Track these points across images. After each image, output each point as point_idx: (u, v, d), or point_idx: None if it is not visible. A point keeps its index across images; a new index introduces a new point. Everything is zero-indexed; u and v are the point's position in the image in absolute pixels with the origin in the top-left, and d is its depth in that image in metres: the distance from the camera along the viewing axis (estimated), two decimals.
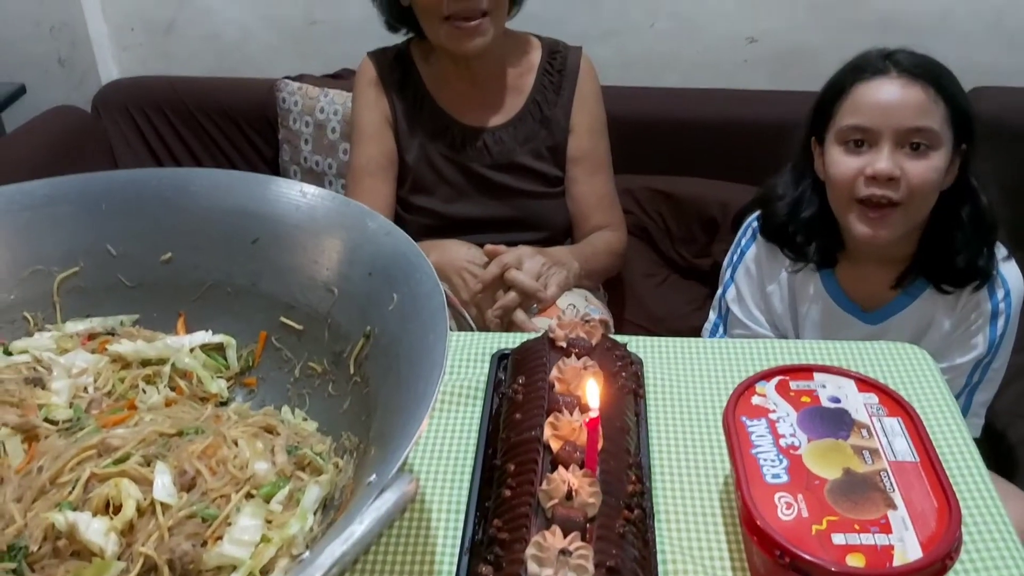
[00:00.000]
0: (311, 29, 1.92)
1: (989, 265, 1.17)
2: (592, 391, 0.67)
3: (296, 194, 0.87)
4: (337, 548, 0.47)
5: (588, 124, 1.50)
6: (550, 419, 0.72)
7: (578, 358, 0.79)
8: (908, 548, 0.63)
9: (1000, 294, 1.18)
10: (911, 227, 1.16)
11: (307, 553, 0.60)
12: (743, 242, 1.34)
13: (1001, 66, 1.77)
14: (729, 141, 1.76)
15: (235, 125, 1.86)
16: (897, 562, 0.62)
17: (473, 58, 1.40)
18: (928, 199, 1.12)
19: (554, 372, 0.78)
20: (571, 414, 0.72)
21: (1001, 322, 1.18)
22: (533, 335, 0.90)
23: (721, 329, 1.36)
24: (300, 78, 1.82)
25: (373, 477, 0.56)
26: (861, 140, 1.12)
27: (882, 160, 1.09)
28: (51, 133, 1.75)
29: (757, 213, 1.32)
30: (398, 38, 1.52)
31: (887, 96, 1.11)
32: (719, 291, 1.38)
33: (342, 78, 1.83)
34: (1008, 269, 1.20)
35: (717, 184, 1.74)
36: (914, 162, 1.09)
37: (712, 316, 1.40)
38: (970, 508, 0.72)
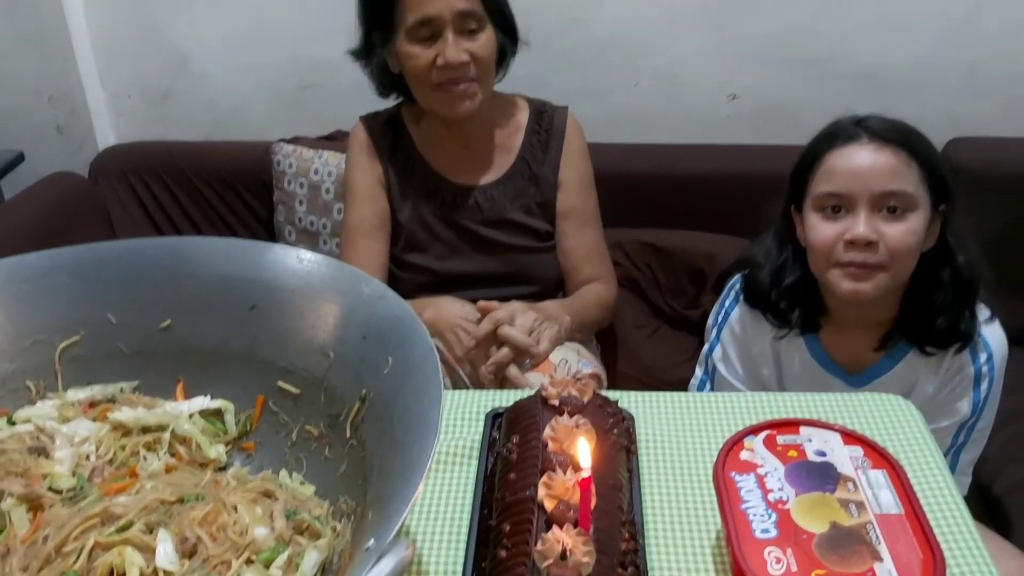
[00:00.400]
0: (305, 93, 1.97)
1: (971, 327, 1.18)
2: (583, 451, 0.68)
3: (293, 260, 0.89)
4: None
5: (576, 180, 1.54)
6: (544, 479, 0.74)
7: (570, 416, 0.81)
8: None
9: (983, 357, 1.20)
10: (893, 287, 1.17)
11: None
12: (727, 303, 1.36)
13: (976, 117, 1.82)
14: (714, 194, 1.80)
15: (231, 188, 1.89)
16: None
17: (463, 121, 1.44)
18: (909, 261, 1.14)
19: (547, 431, 0.79)
20: (564, 473, 0.74)
21: (984, 385, 1.20)
22: (526, 393, 0.91)
23: (708, 386, 1.38)
24: (294, 140, 1.86)
25: (371, 542, 0.57)
26: (838, 206, 1.14)
27: (859, 225, 1.11)
28: (49, 199, 1.78)
29: (740, 275, 1.35)
30: (389, 102, 1.56)
31: (860, 161, 1.13)
32: (705, 348, 1.40)
33: (335, 139, 1.87)
34: (990, 331, 1.21)
35: (704, 236, 1.78)
36: (891, 225, 1.11)
37: (699, 372, 1.42)
38: (956, 559, 0.74)
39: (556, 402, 0.84)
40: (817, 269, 1.20)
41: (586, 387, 0.85)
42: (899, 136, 1.13)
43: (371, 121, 1.55)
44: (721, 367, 1.36)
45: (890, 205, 1.11)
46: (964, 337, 1.19)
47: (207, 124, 2.02)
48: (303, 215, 1.81)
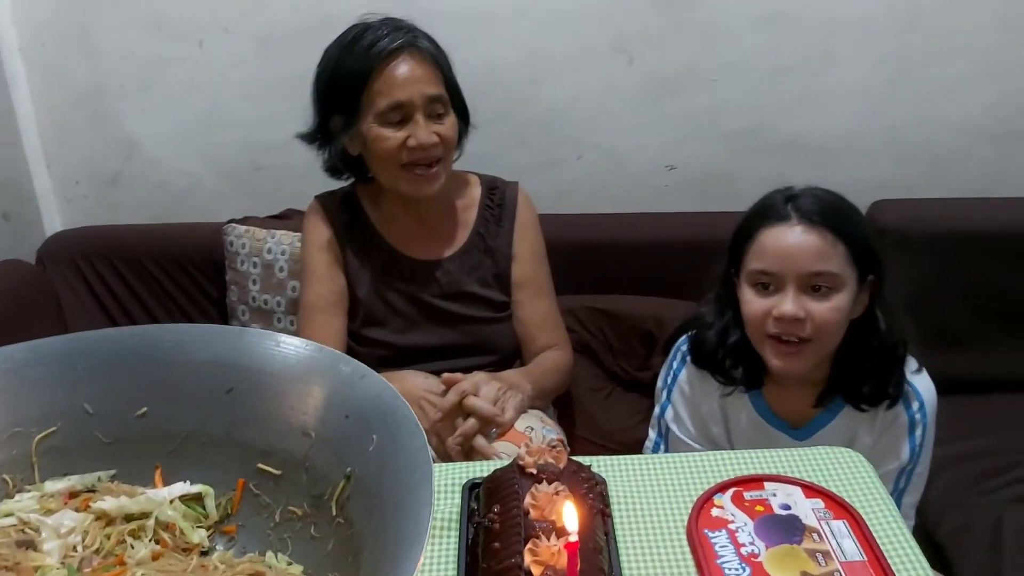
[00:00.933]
0: (257, 174, 2.00)
1: (898, 389, 1.26)
2: (570, 515, 0.72)
3: (270, 344, 0.91)
4: None
5: (529, 251, 1.60)
6: (529, 546, 0.77)
7: (549, 483, 0.84)
8: None
9: (915, 406, 1.28)
10: (821, 357, 1.24)
11: None
12: (674, 365, 1.42)
13: (898, 179, 1.95)
14: (658, 260, 1.88)
15: (182, 269, 1.90)
16: None
17: (424, 199, 1.49)
18: (835, 334, 1.22)
19: (528, 499, 0.83)
20: (548, 539, 0.77)
21: (919, 432, 1.28)
22: (499, 464, 0.95)
23: (663, 447, 1.43)
24: (245, 220, 1.88)
25: None
26: (768, 283, 1.21)
27: (787, 303, 1.18)
28: None
29: (685, 337, 1.41)
30: (339, 182, 1.60)
31: (789, 243, 1.19)
32: (657, 410, 1.45)
33: (287, 218, 1.90)
34: (919, 381, 1.29)
35: (651, 300, 1.85)
36: (817, 303, 1.19)
37: (652, 434, 1.46)
38: None
39: (534, 470, 0.87)
40: (752, 339, 1.27)
41: (561, 455, 0.89)
42: (826, 218, 1.19)
43: (327, 200, 1.59)
44: (674, 427, 1.41)
45: (815, 284, 1.19)
46: (891, 398, 1.27)
47: (156, 207, 2.03)
48: (257, 294, 1.82)
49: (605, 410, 1.77)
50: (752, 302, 1.23)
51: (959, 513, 1.58)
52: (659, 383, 1.46)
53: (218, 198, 2.01)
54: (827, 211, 1.20)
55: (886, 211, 1.89)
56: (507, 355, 1.60)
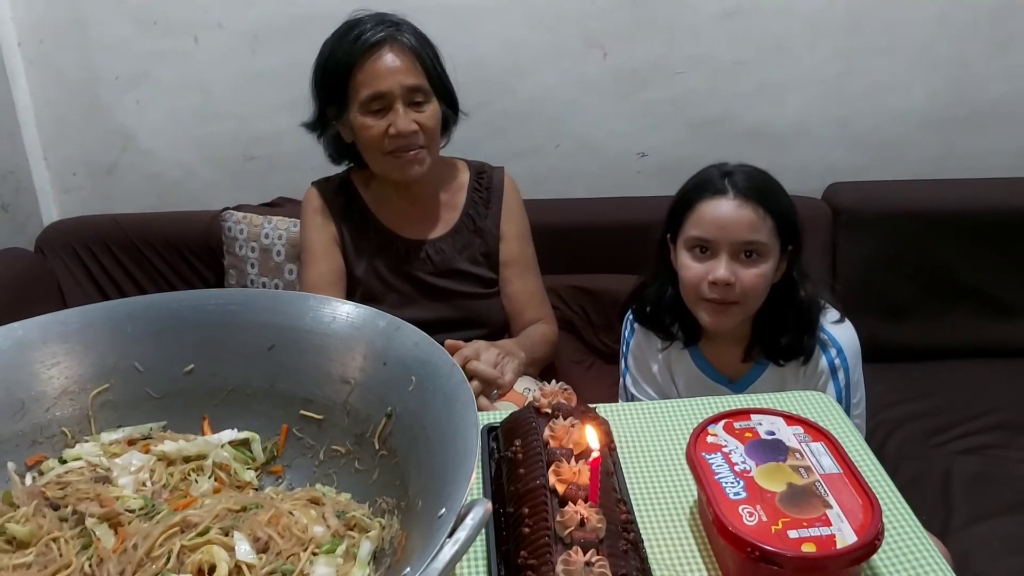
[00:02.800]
0: (249, 164, 2.08)
1: (810, 344, 1.40)
2: (591, 435, 0.83)
3: (307, 304, 1.00)
4: (448, 551, 0.61)
5: (515, 231, 1.71)
6: (552, 468, 0.88)
7: (564, 418, 0.96)
8: (846, 535, 0.81)
9: (832, 352, 1.41)
10: (747, 315, 1.39)
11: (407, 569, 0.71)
12: (626, 334, 1.56)
13: (851, 164, 2.10)
14: (632, 241, 1.97)
15: (179, 255, 1.97)
16: (839, 546, 0.80)
17: (412, 182, 1.59)
18: (759, 296, 1.36)
19: (547, 432, 0.94)
20: (569, 462, 0.88)
21: (841, 375, 1.41)
22: (515, 409, 1.05)
23: None
24: (240, 208, 1.96)
25: (443, 511, 0.69)
26: (704, 247, 1.34)
27: (720, 268, 1.32)
28: None
29: (632, 305, 1.54)
30: (338, 167, 1.70)
31: (724, 214, 1.32)
32: (620, 381, 1.58)
33: (279, 206, 1.98)
34: (838, 330, 1.42)
35: (627, 278, 1.93)
36: (746, 269, 1.33)
37: (621, 402, 1.58)
38: (883, 503, 0.92)
39: (548, 409, 0.98)
40: (686, 299, 1.40)
41: (571, 395, 1.01)
42: (758, 193, 1.32)
43: (323, 185, 1.68)
44: (635, 390, 1.55)
45: (747, 251, 1.32)
46: (806, 352, 1.40)
47: (151, 197, 2.09)
48: (255, 277, 1.91)
49: (587, 380, 1.88)
50: (690, 267, 1.36)
51: (913, 465, 1.72)
52: (619, 353, 1.59)
53: (211, 187, 2.09)
54: (758, 187, 1.33)
55: (840, 193, 2.04)
56: (496, 329, 1.70)
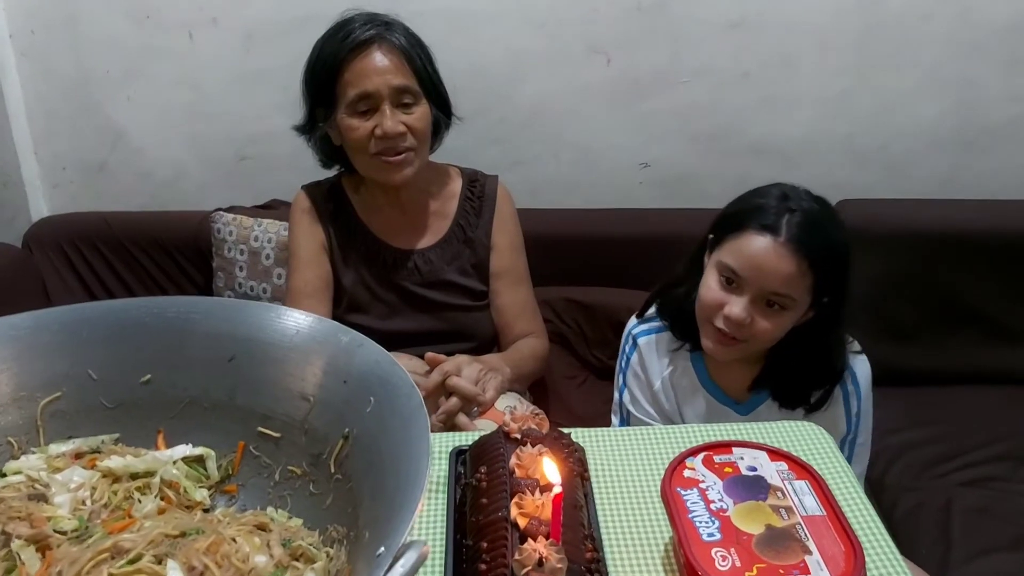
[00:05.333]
0: (241, 165, 2.05)
1: (822, 399, 1.34)
2: (551, 469, 0.78)
3: (271, 315, 0.95)
4: None
5: (507, 242, 1.66)
6: (515, 500, 0.83)
7: (532, 446, 0.90)
8: None
9: (848, 378, 1.35)
10: (751, 354, 1.33)
11: None
12: (626, 349, 1.49)
13: (856, 181, 2.05)
14: (630, 254, 1.95)
15: (167, 255, 1.94)
16: None
17: (400, 187, 1.55)
18: (769, 343, 1.29)
19: (513, 460, 0.89)
20: (533, 494, 0.83)
21: (854, 402, 1.35)
22: (485, 432, 1.00)
23: None
24: (231, 209, 1.92)
25: (382, 549, 0.65)
26: (732, 280, 1.27)
27: (738, 308, 1.24)
28: None
29: (634, 322, 1.49)
30: (329, 172, 1.65)
31: (764, 257, 1.22)
32: (616, 396, 1.52)
33: (272, 208, 1.95)
34: (855, 360, 1.36)
35: (624, 292, 1.92)
36: (765, 318, 1.25)
37: (615, 420, 1.54)
38: (868, 549, 0.86)
39: (518, 435, 0.93)
40: (697, 315, 1.34)
41: (543, 421, 0.96)
42: (809, 244, 1.22)
43: (313, 189, 1.64)
44: (632, 409, 1.48)
45: (771, 300, 1.25)
46: (812, 406, 1.34)
47: (142, 195, 2.06)
48: (243, 280, 1.87)
49: (579, 397, 1.84)
50: (711, 290, 1.29)
51: (913, 496, 1.67)
52: (616, 369, 1.53)
53: (203, 188, 2.05)
54: (813, 237, 1.23)
55: (846, 211, 1.96)
56: (485, 342, 1.66)
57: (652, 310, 1.48)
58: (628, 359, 1.49)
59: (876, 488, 1.73)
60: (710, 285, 1.30)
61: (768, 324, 1.25)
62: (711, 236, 1.35)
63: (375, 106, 1.45)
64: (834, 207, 1.32)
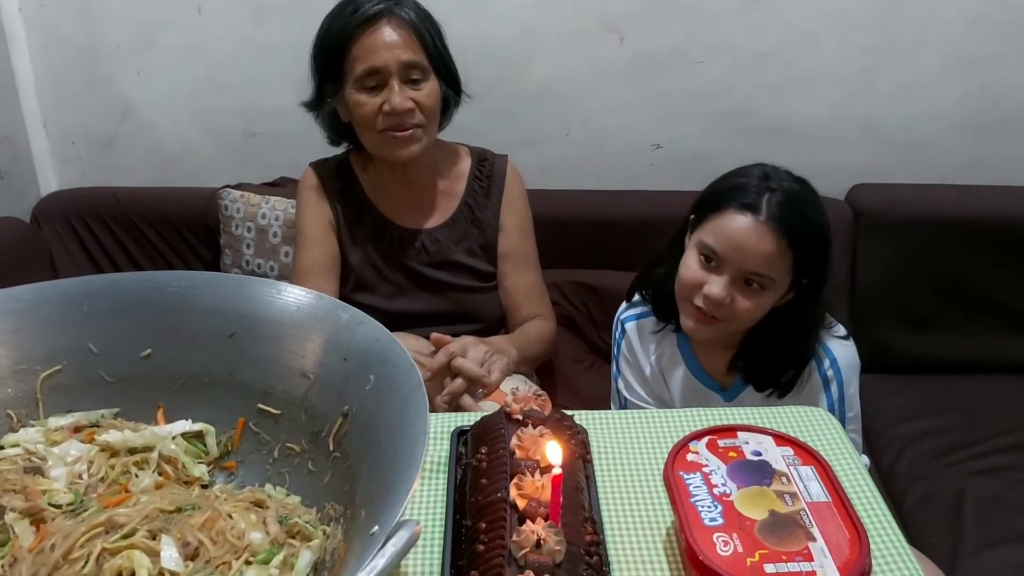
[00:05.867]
0: (250, 141, 2.03)
1: (792, 380, 1.33)
2: (554, 451, 0.77)
3: (271, 291, 0.95)
4: None
5: (516, 224, 1.64)
6: (515, 481, 0.82)
7: (534, 427, 0.89)
8: (828, 572, 0.74)
9: (825, 363, 1.33)
10: (731, 332, 1.32)
11: None
12: (616, 334, 1.49)
13: (875, 164, 2.01)
14: (641, 236, 1.91)
15: (176, 232, 1.93)
16: None
17: (408, 165, 1.53)
18: (748, 322, 1.29)
19: (514, 441, 0.87)
20: (533, 476, 0.82)
21: (834, 387, 1.33)
22: (488, 412, 0.99)
23: None
24: (240, 186, 1.91)
25: (375, 528, 0.64)
26: (711, 258, 1.26)
27: (717, 287, 1.24)
28: None
29: (624, 307, 1.48)
30: (338, 150, 1.64)
31: (743, 236, 1.22)
32: (613, 385, 1.52)
33: (280, 186, 1.93)
34: (836, 344, 1.34)
35: (633, 275, 1.89)
36: (744, 297, 1.25)
37: (613, 408, 1.53)
38: (874, 537, 0.84)
39: (520, 416, 0.92)
40: (677, 294, 1.33)
41: (545, 402, 0.94)
42: (788, 223, 1.22)
43: (321, 167, 1.62)
44: (628, 395, 1.48)
45: (750, 280, 1.24)
46: (784, 387, 1.33)
47: (150, 170, 2.05)
48: (250, 258, 1.86)
49: (587, 380, 1.82)
50: (691, 269, 1.28)
51: (924, 485, 1.65)
52: (611, 357, 1.52)
53: (211, 164, 2.04)
54: (792, 216, 1.22)
55: (863, 195, 1.95)
56: (492, 324, 1.64)
57: (638, 296, 1.47)
58: (619, 345, 1.49)
59: (887, 476, 1.71)
60: (690, 264, 1.29)
61: (747, 303, 1.25)
62: (692, 216, 1.34)
63: (383, 82, 1.43)
64: (814, 188, 1.30)
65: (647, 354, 1.44)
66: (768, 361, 1.34)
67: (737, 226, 1.23)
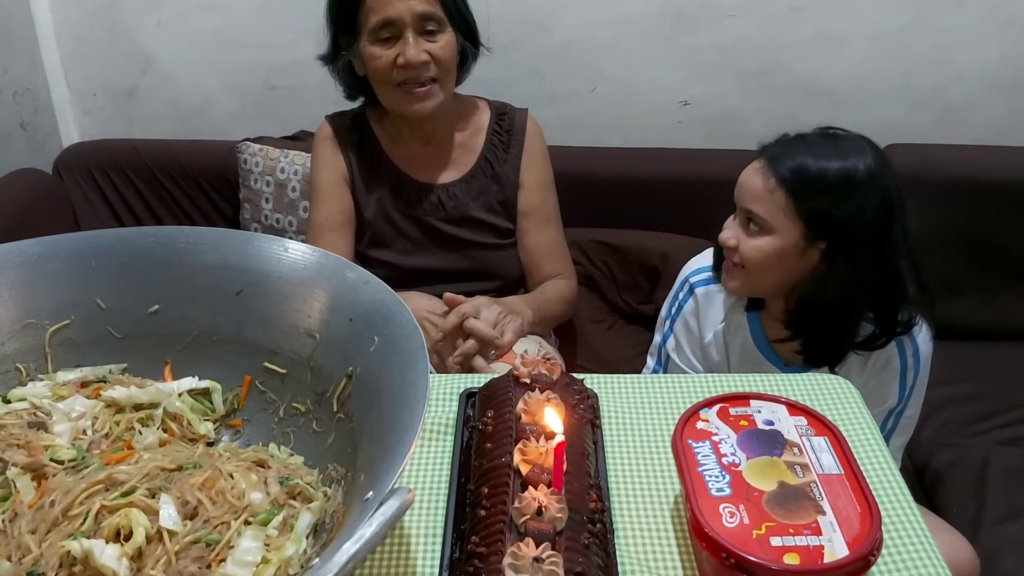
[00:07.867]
0: (270, 94, 2.01)
1: (835, 357, 1.31)
2: (552, 418, 0.75)
3: (278, 249, 0.94)
4: (351, 546, 0.53)
5: (536, 180, 1.60)
6: (519, 446, 0.80)
7: (541, 392, 0.87)
8: (836, 547, 0.72)
9: (909, 351, 1.31)
10: (756, 288, 1.32)
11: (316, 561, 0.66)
12: (680, 296, 1.44)
13: (911, 124, 1.95)
14: (667, 196, 1.89)
15: (196, 185, 1.92)
16: (827, 559, 0.71)
17: (424, 120, 1.50)
18: (762, 271, 1.27)
19: (520, 405, 0.86)
20: (537, 441, 0.80)
21: (910, 376, 1.31)
22: (497, 375, 0.98)
23: (661, 374, 1.46)
24: (259, 140, 1.89)
25: (370, 494, 0.63)
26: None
27: (728, 230, 1.29)
28: (13, 195, 1.79)
29: (692, 268, 1.43)
30: (355, 104, 1.61)
31: (744, 175, 1.27)
32: (658, 339, 1.48)
33: (300, 139, 1.92)
34: (921, 333, 1.32)
35: (657, 235, 1.86)
36: (747, 239, 1.26)
37: (651, 362, 1.49)
38: (889, 513, 0.82)
39: (527, 380, 0.90)
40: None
41: (555, 366, 0.92)
42: (780, 164, 1.22)
43: (337, 120, 1.60)
44: (675, 356, 1.44)
45: (749, 220, 1.25)
46: (828, 360, 1.32)
47: (171, 123, 2.04)
48: (269, 213, 1.85)
49: (606, 341, 1.80)
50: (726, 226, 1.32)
51: (949, 452, 1.62)
52: (663, 312, 1.48)
53: (231, 117, 2.02)
54: (788, 157, 1.22)
55: (896, 155, 1.87)
56: (510, 282, 1.62)
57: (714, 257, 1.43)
58: (681, 306, 1.44)
59: (910, 443, 1.66)
60: (727, 224, 1.31)
61: (748, 244, 1.26)
62: None
63: (398, 33, 1.40)
64: (863, 145, 1.26)
65: (714, 321, 1.40)
66: (815, 333, 1.30)
67: (746, 168, 1.28)
